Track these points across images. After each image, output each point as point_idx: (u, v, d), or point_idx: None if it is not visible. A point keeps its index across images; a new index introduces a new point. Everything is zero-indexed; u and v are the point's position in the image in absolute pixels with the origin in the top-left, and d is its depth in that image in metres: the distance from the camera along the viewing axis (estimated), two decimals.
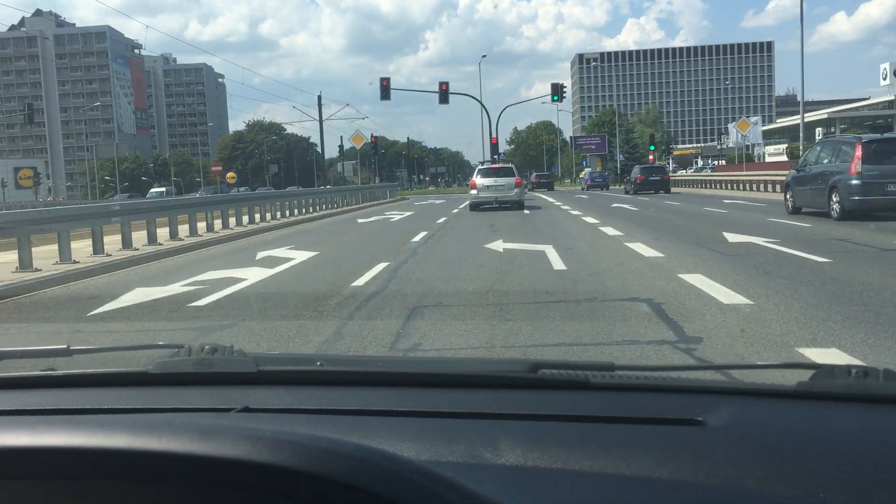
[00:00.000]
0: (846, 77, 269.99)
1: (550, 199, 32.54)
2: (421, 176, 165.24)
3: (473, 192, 23.58)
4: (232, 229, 17.52)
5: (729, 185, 34.84)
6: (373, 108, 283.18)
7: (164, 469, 0.72)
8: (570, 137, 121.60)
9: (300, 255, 10.36)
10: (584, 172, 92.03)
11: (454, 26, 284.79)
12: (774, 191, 26.67)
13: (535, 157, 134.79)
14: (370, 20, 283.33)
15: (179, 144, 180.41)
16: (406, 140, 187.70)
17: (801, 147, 29.67)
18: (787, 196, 16.75)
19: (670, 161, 73.40)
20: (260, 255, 10.67)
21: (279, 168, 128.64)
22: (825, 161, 15.22)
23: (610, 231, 12.93)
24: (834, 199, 14.05)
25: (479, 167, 27.08)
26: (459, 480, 0.74)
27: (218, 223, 17.35)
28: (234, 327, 5.57)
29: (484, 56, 50.46)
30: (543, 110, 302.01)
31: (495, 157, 47.13)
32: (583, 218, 17.23)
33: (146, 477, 0.73)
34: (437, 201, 34.57)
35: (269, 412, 1.16)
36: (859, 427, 1.03)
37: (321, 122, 52.05)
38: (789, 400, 1.14)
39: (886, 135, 16.54)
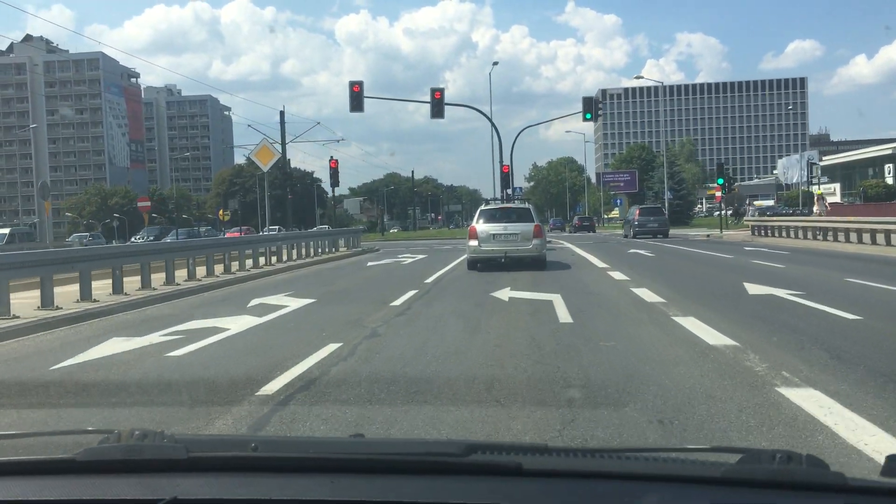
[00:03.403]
0: (870, 118, 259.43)
1: (582, 253, 20.48)
2: (433, 215, 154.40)
3: (473, 243, 16.43)
4: None
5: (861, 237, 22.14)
6: (391, 146, 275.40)
7: None
8: (598, 174, 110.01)
9: None
10: (615, 212, 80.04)
11: (473, 66, 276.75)
12: None
13: (557, 195, 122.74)
14: (391, 60, 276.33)
15: (181, 179, 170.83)
16: (423, 178, 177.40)
17: None
18: (623, 230, 41.06)
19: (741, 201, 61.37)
20: None
21: (275, 205, 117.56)
22: (632, 214, 37.87)
23: None
24: (630, 230, 35.91)
25: (482, 207, 18.41)
26: None
27: None
28: None
29: (495, 63, 38.59)
30: (565, 150, 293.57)
31: (507, 191, 35.04)
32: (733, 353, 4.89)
33: None
34: (408, 260, 21.49)
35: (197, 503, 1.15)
36: None
37: (283, 144, 40.55)
38: (715, 486, 1.18)
39: (648, 205, 42.14)
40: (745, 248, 23.17)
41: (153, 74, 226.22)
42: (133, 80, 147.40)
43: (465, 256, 17.84)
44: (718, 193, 35.28)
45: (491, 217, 17.00)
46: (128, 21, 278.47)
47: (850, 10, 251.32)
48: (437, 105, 31.77)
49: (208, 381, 5.44)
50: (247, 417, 4.35)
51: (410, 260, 21.21)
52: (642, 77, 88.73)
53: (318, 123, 49.76)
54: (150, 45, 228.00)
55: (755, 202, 64.07)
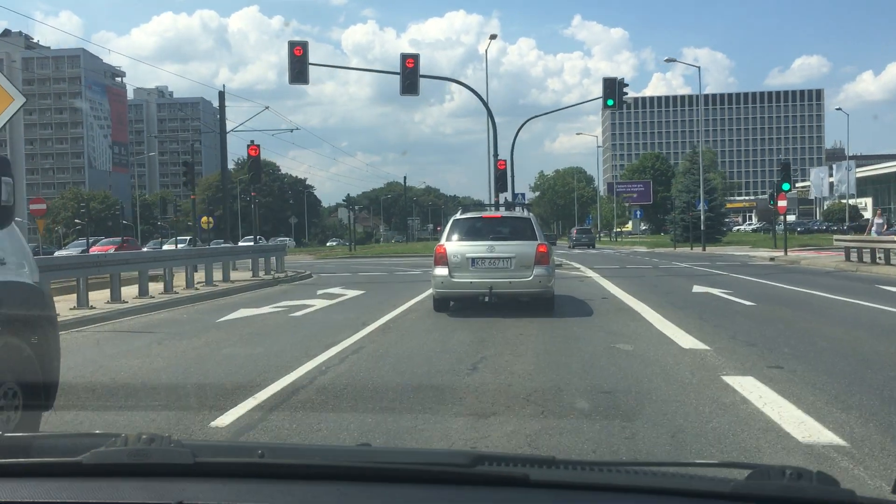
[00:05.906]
0: (879, 134, 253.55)
1: (613, 289, 11.85)
2: (433, 226, 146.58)
3: (441, 271, 10.56)
4: None
5: None
6: (398, 157, 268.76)
7: None
8: (608, 184, 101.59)
9: None
10: (628, 225, 71.83)
11: (480, 79, 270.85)
12: None
13: (565, 206, 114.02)
14: (397, 70, 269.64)
15: (171, 185, 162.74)
16: (425, 188, 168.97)
17: None
18: (568, 242, 58.00)
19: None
20: None
21: (258, 213, 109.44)
22: (571, 232, 61.32)
23: None
24: (570, 243, 54.85)
25: (456, 216, 11.81)
26: None
27: None
28: None
29: (493, 36, 29.50)
30: (572, 162, 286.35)
31: (504, 196, 26.33)
32: None
33: None
34: (315, 306, 12.02)
35: None
36: None
37: (223, 132, 32.16)
38: (724, 502, 1.17)
39: (581, 227, 62.63)
40: (878, 285, 14.42)
41: (158, 81, 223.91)
42: (118, 79, 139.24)
43: (427, 293, 11.89)
44: (782, 203, 26.45)
45: (470, 231, 11.10)
46: (135, 28, 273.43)
47: (858, 27, 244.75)
48: (410, 76, 23.28)
49: None
50: None
51: (320, 306, 12.06)
52: (674, 60, 79.92)
53: (267, 108, 42.20)
54: (158, 52, 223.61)
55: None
